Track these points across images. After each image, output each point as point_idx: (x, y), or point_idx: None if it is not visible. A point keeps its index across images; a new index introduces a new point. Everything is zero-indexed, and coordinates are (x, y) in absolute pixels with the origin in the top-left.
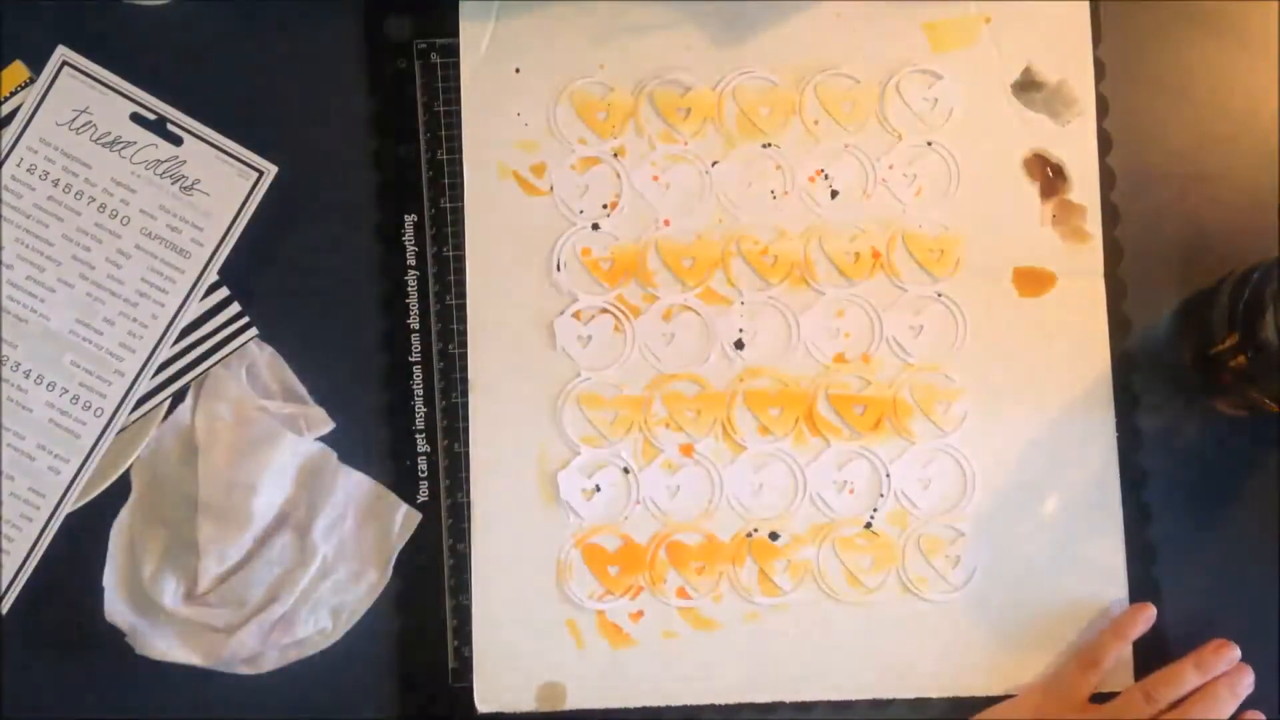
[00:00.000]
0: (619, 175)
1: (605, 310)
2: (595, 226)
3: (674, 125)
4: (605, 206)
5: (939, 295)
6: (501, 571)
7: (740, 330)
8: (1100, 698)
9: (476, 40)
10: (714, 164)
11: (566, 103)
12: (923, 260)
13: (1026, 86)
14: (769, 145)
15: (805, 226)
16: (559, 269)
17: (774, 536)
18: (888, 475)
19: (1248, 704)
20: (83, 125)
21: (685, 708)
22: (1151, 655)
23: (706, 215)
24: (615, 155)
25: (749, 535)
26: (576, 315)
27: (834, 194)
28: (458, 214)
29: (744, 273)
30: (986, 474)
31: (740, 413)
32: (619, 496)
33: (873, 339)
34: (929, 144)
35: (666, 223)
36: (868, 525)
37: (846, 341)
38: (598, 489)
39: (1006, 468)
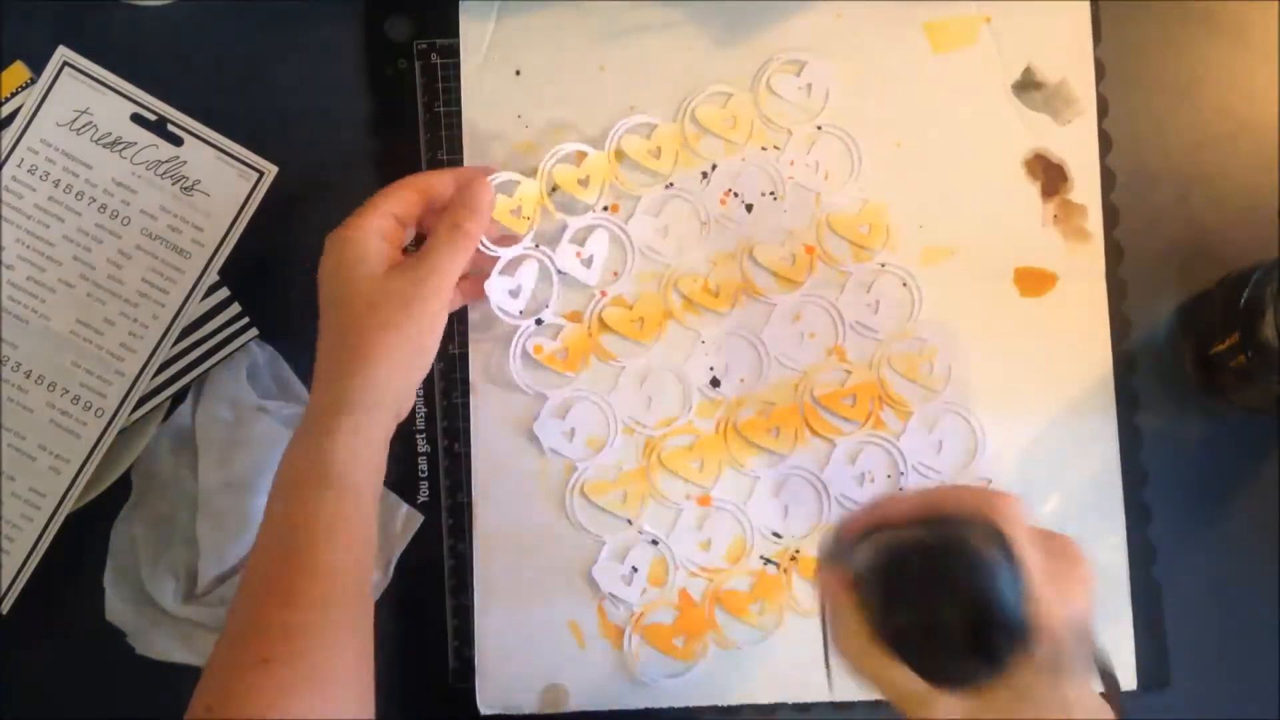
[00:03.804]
0: (544, 262)
1: (579, 399)
2: (539, 322)
3: (577, 197)
4: (539, 300)
5: (882, 266)
6: (503, 572)
7: (711, 369)
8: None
9: (476, 41)
10: (628, 221)
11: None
12: (854, 239)
13: (1027, 86)
14: (670, 185)
15: (734, 248)
16: (517, 375)
17: None
18: (900, 452)
19: None
20: (83, 126)
21: (686, 709)
22: (1152, 655)
23: (637, 272)
24: (536, 245)
25: (793, 558)
26: (556, 413)
27: (749, 208)
28: None
29: (693, 312)
30: (985, 469)
31: (740, 446)
32: (657, 568)
33: (836, 330)
34: (819, 129)
35: (603, 294)
36: None
37: (813, 342)
38: (634, 570)
39: (1007, 468)
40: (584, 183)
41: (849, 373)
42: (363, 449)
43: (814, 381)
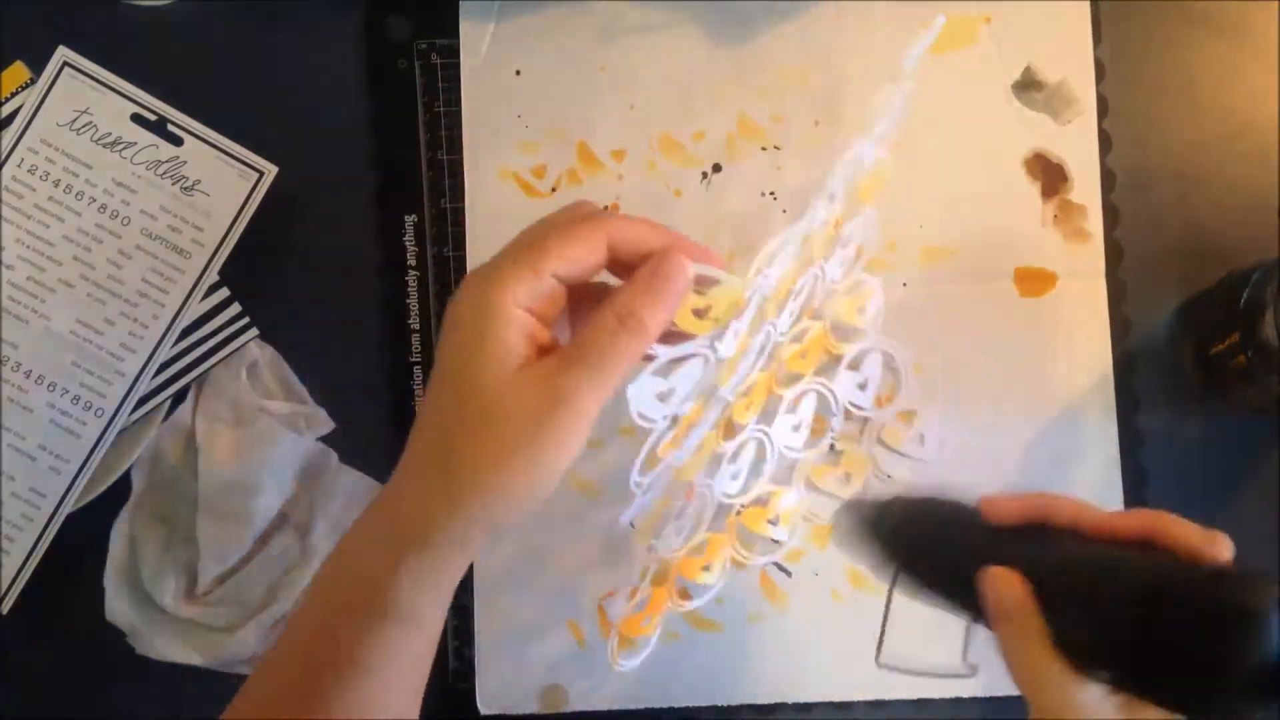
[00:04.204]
0: (707, 357)
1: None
2: (674, 419)
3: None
4: (675, 393)
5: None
6: (503, 572)
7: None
8: None
9: (477, 41)
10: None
11: None
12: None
13: (1027, 86)
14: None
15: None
16: (639, 487)
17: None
18: (830, 393)
19: None
20: (83, 126)
21: (687, 709)
22: None
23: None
24: (712, 344)
25: (737, 513)
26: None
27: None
28: (458, 214)
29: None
30: (985, 469)
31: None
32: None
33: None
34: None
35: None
36: (831, 445)
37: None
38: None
39: (1007, 468)
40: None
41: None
42: (435, 588)
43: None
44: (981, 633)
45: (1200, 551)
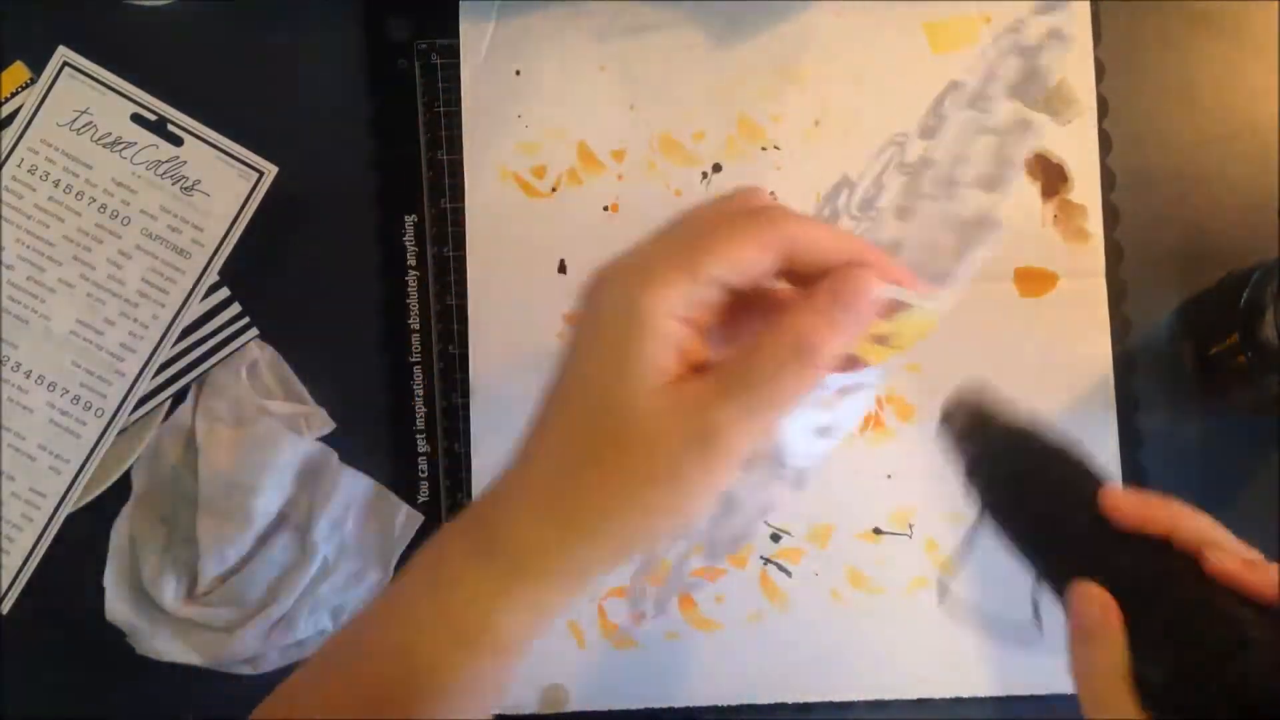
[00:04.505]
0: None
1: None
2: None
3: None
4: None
5: None
6: None
7: None
8: None
9: (477, 41)
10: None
11: None
12: None
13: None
14: None
15: None
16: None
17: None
18: None
19: None
20: (83, 126)
21: (686, 709)
22: None
23: None
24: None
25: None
26: None
27: None
28: (458, 214)
29: None
30: None
31: None
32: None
33: None
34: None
35: None
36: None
37: None
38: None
39: None
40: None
41: None
42: (538, 624)
43: None
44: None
45: None
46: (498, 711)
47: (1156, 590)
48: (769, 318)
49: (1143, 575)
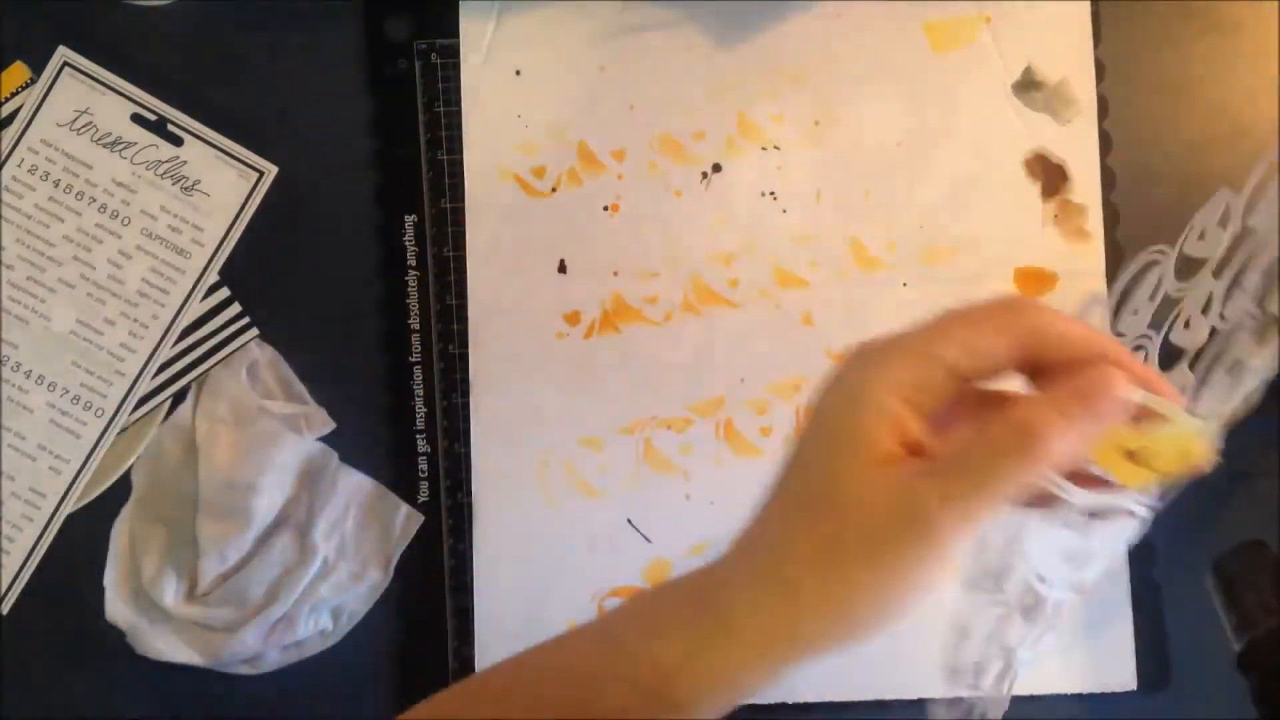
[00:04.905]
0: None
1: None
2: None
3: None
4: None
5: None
6: (503, 572)
7: None
8: None
9: (477, 40)
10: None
11: None
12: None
13: (1027, 86)
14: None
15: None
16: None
17: None
18: None
19: None
20: (84, 126)
21: None
22: (1152, 655)
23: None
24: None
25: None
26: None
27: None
28: (458, 214)
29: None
30: None
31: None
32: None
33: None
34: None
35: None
36: None
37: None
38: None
39: None
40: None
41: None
42: (730, 689)
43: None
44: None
45: None
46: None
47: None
48: (1002, 411)
49: None
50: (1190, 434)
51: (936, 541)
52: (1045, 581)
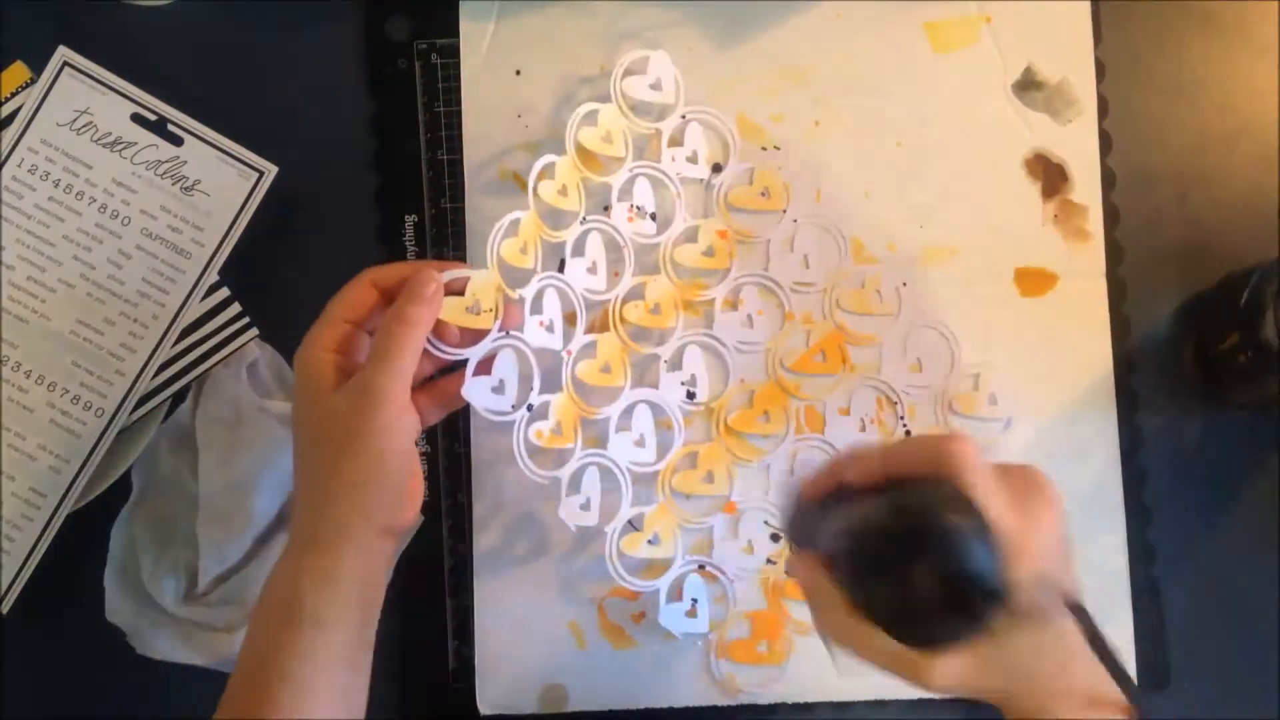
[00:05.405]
0: (519, 347)
1: (584, 466)
2: (529, 408)
3: (518, 265)
4: (524, 386)
5: (795, 221)
6: (502, 572)
7: (682, 383)
8: None
9: (477, 41)
10: (561, 271)
11: None
12: (757, 206)
13: (1027, 86)
14: (584, 220)
15: (656, 260)
16: (527, 469)
17: None
18: (887, 384)
19: None
20: (84, 126)
21: (686, 709)
22: (1152, 655)
23: (589, 319)
24: (506, 334)
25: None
26: (570, 490)
27: (653, 217)
28: (458, 214)
29: (645, 339)
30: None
31: (740, 443)
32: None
33: (779, 298)
34: (683, 118)
35: (568, 353)
36: (905, 431)
37: (762, 318)
38: (695, 601)
39: None
40: (524, 250)
41: (808, 331)
42: (334, 586)
43: (780, 352)
44: None
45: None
46: (498, 711)
47: (834, 528)
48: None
49: (828, 526)
50: (488, 277)
51: (384, 403)
52: (495, 411)
